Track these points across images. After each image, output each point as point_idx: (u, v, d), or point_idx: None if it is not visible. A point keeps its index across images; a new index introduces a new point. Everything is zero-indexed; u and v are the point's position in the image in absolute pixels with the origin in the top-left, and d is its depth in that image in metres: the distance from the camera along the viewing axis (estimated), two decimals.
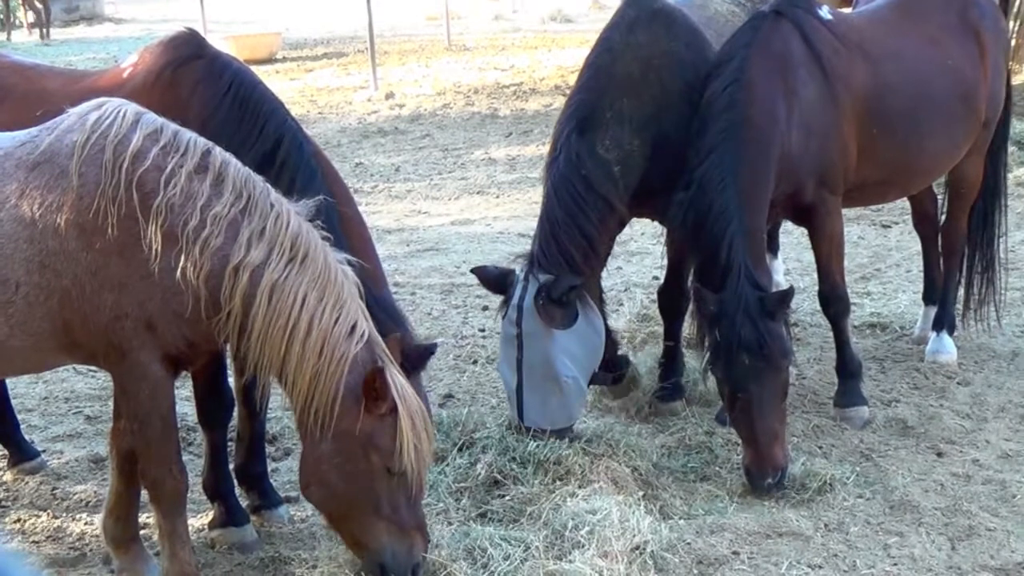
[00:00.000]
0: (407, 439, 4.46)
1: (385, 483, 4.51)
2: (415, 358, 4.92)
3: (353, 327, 4.50)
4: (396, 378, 4.50)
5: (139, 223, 4.42)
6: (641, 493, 5.56)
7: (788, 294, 5.79)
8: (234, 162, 4.61)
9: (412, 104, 18.71)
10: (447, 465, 5.84)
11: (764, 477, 5.77)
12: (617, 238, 6.96)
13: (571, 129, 6.20)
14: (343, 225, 5.21)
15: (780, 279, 8.43)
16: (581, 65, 6.55)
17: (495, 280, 6.22)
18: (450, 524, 5.38)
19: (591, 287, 6.22)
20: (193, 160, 4.52)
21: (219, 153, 4.60)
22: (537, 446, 5.81)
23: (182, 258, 4.41)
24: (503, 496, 5.61)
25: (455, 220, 12.10)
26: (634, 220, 7.61)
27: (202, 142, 4.61)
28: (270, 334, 4.45)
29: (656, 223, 7.56)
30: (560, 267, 5.99)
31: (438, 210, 12.61)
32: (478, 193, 13.22)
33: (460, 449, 5.97)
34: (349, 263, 4.66)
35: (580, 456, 5.76)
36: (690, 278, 6.30)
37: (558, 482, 5.61)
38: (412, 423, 4.48)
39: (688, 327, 6.83)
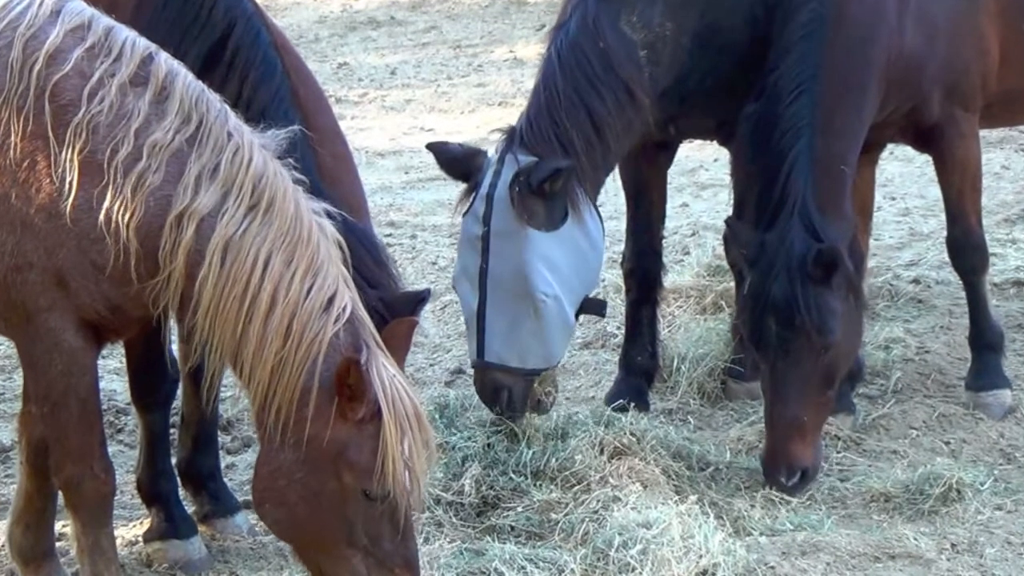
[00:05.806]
0: (392, 455, 4.40)
1: (361, 509, 4.47)
2: (400, 311, 4.91)
3: (330, 300, 4.46)
4: (384, 372, 4.45)
5: (49, 145, 4.41)
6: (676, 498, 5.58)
7: (833, 252, 5.69)
8: (183, 74, 4.59)
9: None
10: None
11: (776, 474, 5.84)
12: (683, 165, 6.89)
13: None
14: (313, 142, 5.20)
15: None
16: None
17: (459, 162, 6.09)
18: (452, 541, 5.40)
19: (588, 179, 6.02)
20: (129, 68, 4.49)
21: (164, 61, 4.58)
22: (534, 454, 5.78)
23: (107, 197, 4.40)
24: (512, 508, 5.64)
25: (469, 139, 12.04)
26: (701, 143, 7.55)
27: (142, 45, 4.58)
28: (222, 307, 4.42)
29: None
30: (550, 147, 5.88)
31: (447, 126, 12.56)
32: (499, 104, 13.18)
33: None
34: (329, 215, 4.62)
35: (594, 458, 5.75)
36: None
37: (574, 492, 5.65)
38: (401, 434, 4.43)
39: None
